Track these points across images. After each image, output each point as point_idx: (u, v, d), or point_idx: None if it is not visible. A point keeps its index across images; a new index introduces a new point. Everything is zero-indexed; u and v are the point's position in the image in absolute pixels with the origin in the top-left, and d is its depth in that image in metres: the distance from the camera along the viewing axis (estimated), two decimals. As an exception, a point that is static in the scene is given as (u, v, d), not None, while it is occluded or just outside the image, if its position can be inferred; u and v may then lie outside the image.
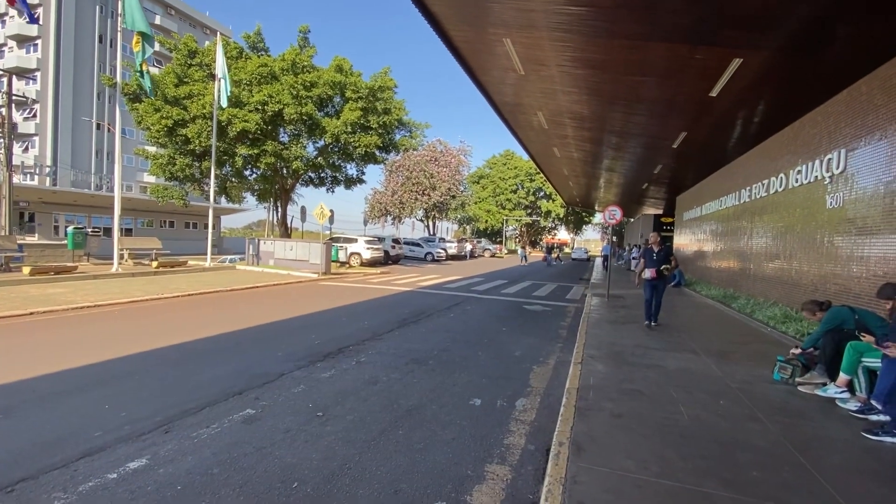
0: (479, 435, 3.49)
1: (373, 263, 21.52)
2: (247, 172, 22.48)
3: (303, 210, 21.22)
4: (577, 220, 63.15)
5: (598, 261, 31.73)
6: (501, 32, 9.55)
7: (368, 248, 21.13)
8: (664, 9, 7.20)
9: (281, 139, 21.62)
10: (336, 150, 21.20)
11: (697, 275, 16.00)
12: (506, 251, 49.46)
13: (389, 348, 6.11)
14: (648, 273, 7.43)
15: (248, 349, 5.92)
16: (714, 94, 10.27)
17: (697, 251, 17.07)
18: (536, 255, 43.69)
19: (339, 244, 20.88)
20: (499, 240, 55.36)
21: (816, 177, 7.60)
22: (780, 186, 9.14)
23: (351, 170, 23.34)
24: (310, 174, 23.13)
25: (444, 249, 31.56)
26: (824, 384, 4.06)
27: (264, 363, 5.27)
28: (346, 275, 17.37)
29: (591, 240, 74.59)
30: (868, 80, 6.19)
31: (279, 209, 24.99)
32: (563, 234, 70.04)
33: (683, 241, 20.22)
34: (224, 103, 17.42)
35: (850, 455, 2.97)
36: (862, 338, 3.86)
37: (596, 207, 49.27)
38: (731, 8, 6.69)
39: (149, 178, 35.71)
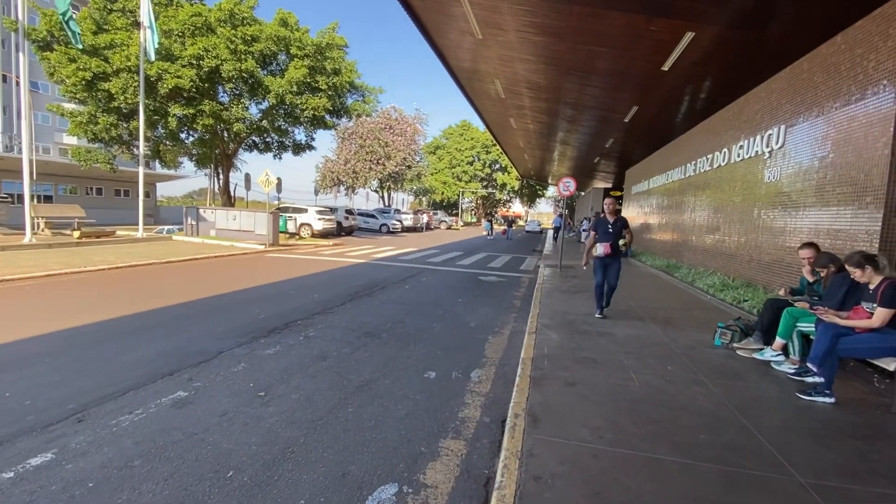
0: (434, 409, 3.37)
1: (325, 235, 20.75)
2: (183, 135, 20.61)
3: (247, 177, 19.91)
4: (531, 192, 64.20)
5: (550, 233, 32.49)
6: (459, -9, 9.06)
7: (320, 219, 20.29)
8: (624, -26, 7.05)
9: (220, 99, 19.89)
10: (282, 112, 19.83)
11: (643, 246, 16.74)
12: (462, 223, 49.59)
13: (341, 322, 5.83)
14: (601, 249, 5.87)
15: (183, 326, 5.44)
16: (666, 67, 10.41)
17: (644, 223, 17.81)
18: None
19: (288, 214, 19.87)
20: (455, 212, 55.32)
21: (757, 152, 7.95)
22: (723, 161, 9.53)
23: (299, 135, 22.06)
24: (254, 138, 21.59)
25: (400, 221, 31.05)
26: (761, 349, 4.29)
27: (201, 341, 4.84)
28: (295, 246, 16.62)
29: (544, 212, 76.40)
30: (809, 57, 6.41)
31: (221, 176, 23.31)
32: (517, 207, 71.17)
33: (631, 214, 21.03)
34: (152, 56, 15.63)
35: (787, 415, 3.13)
36: (796, 304, 4.08)
37: (549, 181, 50.22)
38: (688, -24, 6.65)
39: (70, 140, 31.88)
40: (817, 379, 3.32)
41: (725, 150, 9.43)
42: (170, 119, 17.93)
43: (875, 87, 4.93)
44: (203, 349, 4.54)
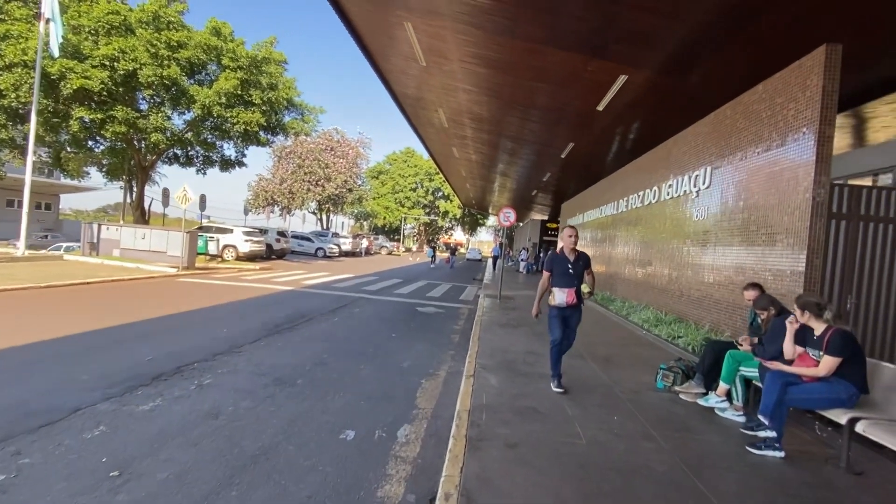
0: (347, 485, 2.70)
1: (252, 258, 19.16)
2: (91, 143, 18.35)
3: (165, 192, 18.02)
4: (472, 221, 65.32)
5: (490, 261, 32.81)
6: (403, 15, 8.83)
7: (247, 241, 18.74)
8: (566, 13, 7.15)
9: (139, 106, 18.07)
10: (209, 125, 18.35)
11: (578, 277, 17.13)
12: (404, 249, 48.96)
13: (249, 364, 4.96)
14: (561, 297, 4.29)
15: (37, 371, 4.31)
16: (601, 107, 10.82)
17: (579, 255, 18.33)
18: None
19: (209, 234, 18.13)
20: (397, 237, 54.63)
21: (685, 191, 8.29)
22: (654, 199, 9.92)
23: (228, 150, 20.53)
24: (175, 151, 19.75)
25: (338, 245, 29.79)
26: (705, 393, 4.10)
27: (55, 393, 3.80)
28: (215, 270, 15.06)
29: (485, 241, 77.93)
30: (733, 104, 6.80)
31: (135, 189, 20.99)
32: (459, 235, 71.92)
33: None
34: (55, 52, 13.83)
35: (741, 475, 2.85)
36: (738, 346, 3.97)
37: (490, 210, 51.40)
38: (624, 21, 6.85)
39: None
40: (769, 433, 3.11)
41: (656, 187, 9.84)
42: (72, 122, 15.86)
43: (795, 135, 5.19)
44: (53, 405, 3.52)
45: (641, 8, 6.49)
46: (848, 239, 5.07)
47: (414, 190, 56.12)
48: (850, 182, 6.71)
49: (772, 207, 5.59)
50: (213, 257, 18.31)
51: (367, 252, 36.44)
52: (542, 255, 28.06)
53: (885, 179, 8.18)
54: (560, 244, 4.57)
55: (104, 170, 20.96)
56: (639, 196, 11.01)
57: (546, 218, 34.04)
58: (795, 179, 5.18)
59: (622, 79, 8.73)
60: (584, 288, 4.50)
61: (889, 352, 5.02)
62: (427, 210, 58.32)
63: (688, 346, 6.23)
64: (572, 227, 4.52)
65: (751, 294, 4.16)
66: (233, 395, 4.04)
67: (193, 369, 4.68)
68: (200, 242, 17.28)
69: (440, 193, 58.60)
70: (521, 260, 26.77)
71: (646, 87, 9.06)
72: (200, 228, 18.97)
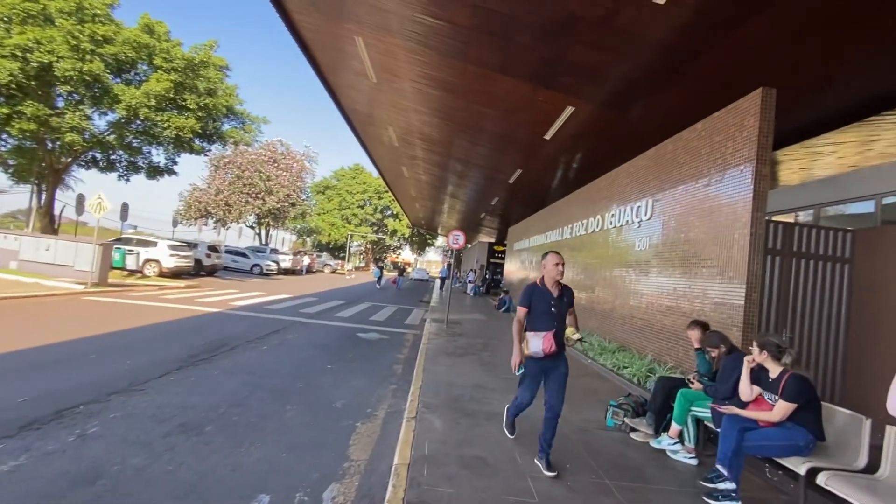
0: (251, 577, 2.15)
1: (177, 274, 17.46)
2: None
3: (79, 198, 16.11)
4: (421, 241, 65.09)
5: (437, 283, 32.51)
6: (353, 29, 8.53)
7: (172, 255, 17.06)
8: (517, 41, 7.19)
9: (56, 104, 16.17)
10: (136, 128, 16.77)
11: (524, 301, 17.24)
12: (349, 267, 47.51)
13: (150, 406, 4.18)
14: (538, 344, 3.34)
15: None
16: (548, 136, 11.04)
17: (524, 279, 18.51)
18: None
19: (128, 247, 16.33)
20: (342, 255, 53.00)
21: (628, 221, 8.51)
22: (597, 227, 10.15)
23: (157, 156, 18.88)
24: (95, 154, 17.83)
25: (276, 262, 28.16)
26: (657, 437, 3.94)
27: None
28: (132, 287, 13.47)
29: (433, 261, 77.87)
30: (673, 140, 7.08)
31: (45, 194, 18.61)
32: (407, 254, 71.32)
33: (513, 269, 21.93)
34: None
35: (702, 534, 2.64)
36: (690, 384, 3.87)
37: (439, 231, 51.53)
38: (573, 55, 6.97)
39: None
40: (728, 485, 2.95)
41: (599, 216, 10.08)
42: (-32, 116, 13.84)
43: (733, 172, 5.41)
44: None
45: (589, 44, 6.63)
46: (782, 274, 5.29)
47: (362, 207, 55.10)
48: (774, 219, 7.20)
49: (711, 240, 5.76)
50: (132, 273, 16.46)
51: (310, 270, 34.87)
52: (488, 276, 28.22)
53: (804, 218, 8.89)
54: (544, 273, 3.47)
55: (10, 171, 18.45)
56: (583, 224, 11.26)
57: (493, 241, 34.52)
58: (734, 214, 5.36)
59: (569, 110, 8.92)
60: (570, 332, 3.48)
61: (820, 385, 5.23)
62: (375, 228, 57.37)
63: (633, 377, 6.20)
64: (557, 253, 3.47)
65: (694, 333, 4.12)
66: (122, 448, 3.31)
67: (77, 414, 3.85)
68: (117, 256, 15.50)
69: (389, 212, 57.99)
70: (469, 282, 26.74)
71: (591, 119, 9.32)
72: (118, 240, 17.08)
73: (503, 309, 16.25)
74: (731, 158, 5.44)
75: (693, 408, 3.67)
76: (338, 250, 55.15)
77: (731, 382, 3.33)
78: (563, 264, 3.42)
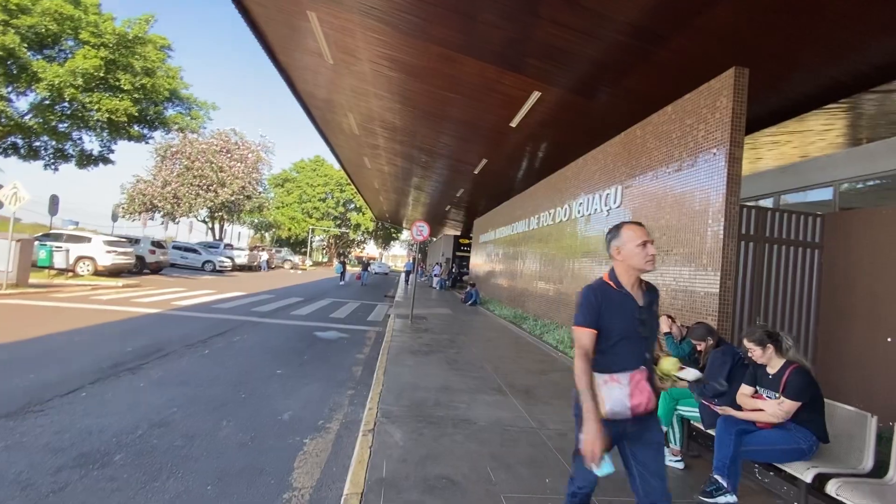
0: None
1: (116, 272, 15.97)
2: None
3: (-6, 190, 14.30)
4: (385, 235, 64.00)
5: (402, 276, 31.88)
6: (305, 3, 7.80)
7: (109, 251, 15.54)
8: (482, 20, 6.72)
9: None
10: (63, 111, 15.09)
11: (490, 293, 16.98)
12: (311, 263, 45.93)
13: (47, 430, 3.44)
14: (621, 395, 1.86)
15: None
16: (514, 124, 10.70)
17: (490, 271, 18.26)
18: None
19: (56, 244, 14.71)
20: (303, 250, 51.21)
21: (596, 209, 8.29)
22: (565, 216, 9.92)
23: (89, 143, 17.16)
24: (15, 139, 15.93)
25: (231, 258, 26.62)
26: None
27: None
28: (60, 288, 12.10)
29: (399, 255, 76.88)
30: (642, 125, 6.86)
31: (-48, 185, 16.47)
32: (371, 249, 70.04)
33: (479, 262, 21.67)
34: None
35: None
36: (677, 381, 3.56)
37: (404, 224, 50.77)
38: (540, 34, 6.58)
39: None
40: (729, 498, 2.63)
41: (567, 205, 9.85)
42: None
43: (706, 156, 5.19)
44: None
45: (557, 22, 6.26)
46: (755, 260, 5.13)
47: (323, 200, 53.40)
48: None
49: (684, 227, 5.55)
50: (63, 272, 14.87)
51: (269, 266, 33.35)
52: (454, 269, 27.89)
53: (765, 204, 8.98)
54: (617, 260, 2.01)
55: None
56: (550, 214, 11.02)
57: (459, 233, 34.21)
58: (707, 200, 5.15)
59: (535, 95, 8.59)
60: (671, 365, 2.36)
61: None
62: (338, 222, 55.78)
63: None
64: (639, 224, 2.00)
65: (665, 325, 3.89)
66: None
67: (-53, 445, 3.08)
68: (42, 253, 13.90)
69: (352, 205, 56.55)
70: (434, 275, 26.30)
71: (558, 105, 9.02)
72: (46, 235, 15.40)
73: (469, 302, 15.93)
74: (704, 142, 5.22)
75: (679, 407, 3.37)
76: (299, 245, 53.26)
77: (719, 379, 3.03)
78: (652, 242, 1.95)
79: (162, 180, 31.02)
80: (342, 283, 23.87)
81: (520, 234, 13.90)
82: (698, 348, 3.55)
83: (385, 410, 4.11)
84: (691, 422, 3.37)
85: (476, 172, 16.60)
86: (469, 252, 27.73)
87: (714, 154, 5.05)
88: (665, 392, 3.44)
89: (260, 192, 38.62)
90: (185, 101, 18.05)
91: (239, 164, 35.24)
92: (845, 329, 4.85)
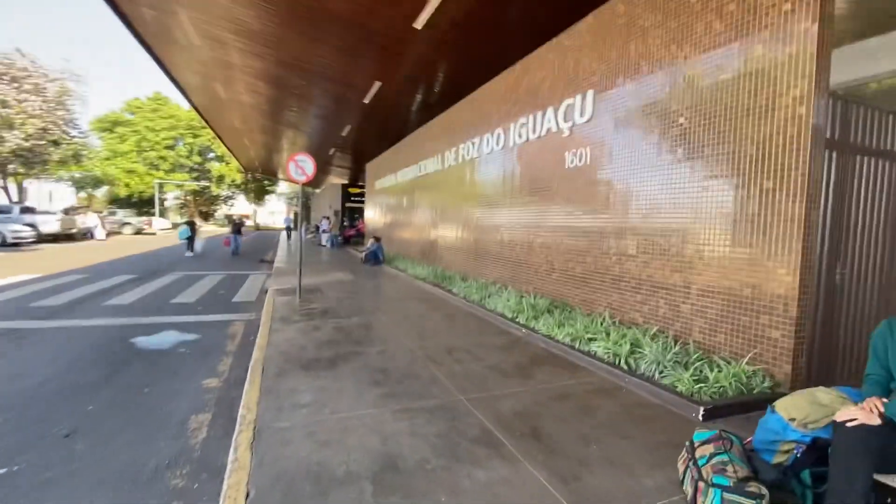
0: None
1: None
2: None
3: None
4: (259, 188, 55.91)
5: (283, 235, 27.33)
6: None
7: None
8: None
9: None
10: None
11: (396, 249, 14.47)
12: (167, 225, 37.63)
13: None
14: None
15: None
16: (419, 24, 7.88)
17: (393, 223, 15.63)
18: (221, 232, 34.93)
19: None
20: (150, 210, 41.78)
21: (550, 129, 6.14)
22: (498, 145, 7.66)
23: None
24: None
25: (32, 226, 19.49)
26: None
27: None
28: None
29: (277, 212, 68.71)
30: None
31: None
32: (243, 206, 61.08)
33: (377, 212, 18.78)
34: None
35: None
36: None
37: (279, 175, 44.23)
38: None
39: None
40: None
41: (500, 131, 7.56)
42: None
43: (772, 17, 3.18)
44: None
45: None
46: (838, 181, 3.46)
47: (171, 148, 43.60)
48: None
49: (746, 137, 3.60)
50: None
51: (94, 234, 25.61)
52: (346, 223, 24.50)
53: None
54: None
55: None
56: (474, 144, 8.65)
57: (347, 182, 30.33)
58: (774, 90, 3.24)
59: None
60: None
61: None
62: (196, 175, 46.45)
63: (608, 354, 4.03)
64: None
65: None
66: None
67: None
68: None
69: (212, 155, 47.45)
70: (323, 231, 22.65)
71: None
72: None
73: (374, 262, 13.21)
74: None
75: None
76: (145, 204, 43.32)
77: None
78: None
79: None
80: (191, 253, 15.96)
81: (432, 174, 11.38)
82: None
83: None
84: None
85: (366, 102, 13.33)
86: (362, 202, 24.44)
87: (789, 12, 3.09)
88: None
89: (73, 137, 29.23)
90: None
91: (33, 98, 25.74)
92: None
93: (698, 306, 3.96)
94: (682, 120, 4.11)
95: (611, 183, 5.03)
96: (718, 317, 3.76)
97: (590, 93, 5.34)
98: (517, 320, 5.51)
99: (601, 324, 4.70)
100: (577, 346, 4.41)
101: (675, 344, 3.96)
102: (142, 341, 5.17)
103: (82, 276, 10.04)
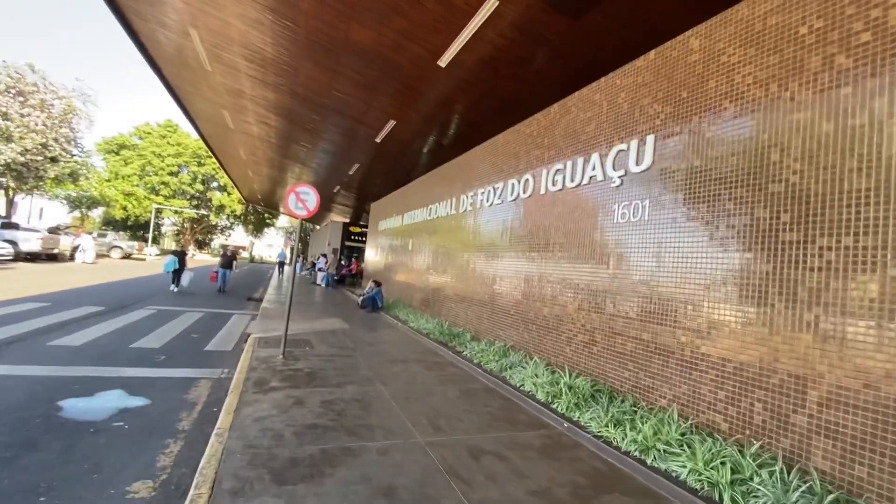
0: None
1: None
2: None
3: None
4: (258, 220, 55.29)
5: (276, 271, 26.19)
6: None
7: None
8: None
9: None
10: None
11: (395, 293, 13.38)
12: (157, 252, 36.49)
13: None
14: None
15: None
16: (444, 62, 7.37)
17: (394, 266, 14.64)
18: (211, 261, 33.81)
19: None
20: (144, 235, 40.75)
21: (593, 177, 5.32)
22: (525, 192, 6.83)
23: None
24: None
25: (12, 242, 18.40)
26: None
27: None
28: None
29: (275, 245, 67.80)
30: (707, 26, 3.95)
31: None
32: (240, 237, 60.27)
33: (377, 254, 17.85)
34: None
35: None
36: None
37: (281, 209, 43.67)
38: None
39: None
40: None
41: (530, 176, 6.76)
42: None
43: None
44: None
45: None
46: None
47: (175, 175, 43.26)
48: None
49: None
50: None
51: (86, 257, 24.38)
52: (343, 262, 23.48)
53: None
54: None
55: None
56: (496, 190, 7.84)
57: (348, 220, 29.64)
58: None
59: (490, 6, 5.38)
60: None
61: None
62: (196, 203, 45.84)
63: (699, 482, 2.91)
64: None
65: None
66: None
67: None
68: None
69: (215, 184, 47.12)
70: (319, 269, 21.56)
71: (519, 28, 5.95)
72: None
73: (372, 308, 12.07)
74: None
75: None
76: (141, 228, 42.35)
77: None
78: None
79: None
80: (175, 289, 13.77)
81: (444, 217, 10.53)
82: None
83: None
84: None
85: (378, 140, 12.80)
86: (363, 242, 23.56)
87: None
88: None
89: (74, 156, 28.75)
90: None
91: (38, 113, 25.45)
92: None
93: (821, 419, 2.90)
94: (790, 174, 3.24)
95: (679, 245, 4.11)
96: (861, 436, 2.71)
97: (649, 138, 4.54)
98: (554, 407, 4.38)
99: (675, 428, 3.58)
100: (648, 461, 3.28)
101: (789, 473, 2.86)
102: (70, 406, 3.97)
103: (42, 305, 8.85)
